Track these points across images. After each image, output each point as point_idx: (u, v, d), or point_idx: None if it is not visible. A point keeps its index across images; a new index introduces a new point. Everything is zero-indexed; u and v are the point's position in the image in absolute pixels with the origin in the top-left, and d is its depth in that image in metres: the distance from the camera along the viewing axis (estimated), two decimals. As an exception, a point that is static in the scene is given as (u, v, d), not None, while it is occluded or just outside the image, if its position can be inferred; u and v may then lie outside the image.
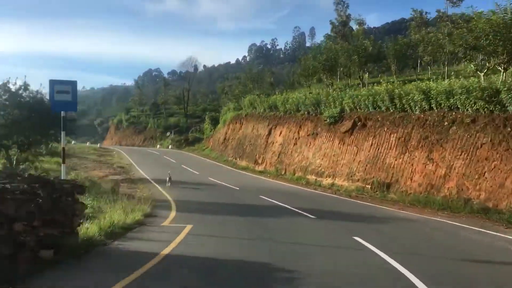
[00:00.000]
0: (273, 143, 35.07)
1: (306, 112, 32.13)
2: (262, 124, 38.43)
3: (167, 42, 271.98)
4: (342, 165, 25.66)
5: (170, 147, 60.45)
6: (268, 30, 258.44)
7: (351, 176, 24.37)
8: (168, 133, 66.16)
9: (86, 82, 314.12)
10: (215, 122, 56.50)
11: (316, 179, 27.13)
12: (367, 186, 22.76)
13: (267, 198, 17.73)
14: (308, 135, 30.53)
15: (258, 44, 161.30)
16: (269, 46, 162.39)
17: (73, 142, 56.97)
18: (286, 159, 31.90)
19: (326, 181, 26.16)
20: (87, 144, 55.16)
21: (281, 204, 16.24)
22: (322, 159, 27.71)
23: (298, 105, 32.96)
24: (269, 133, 36.36)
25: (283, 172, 31.19)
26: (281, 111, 35.93)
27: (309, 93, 34.29)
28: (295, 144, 31.77)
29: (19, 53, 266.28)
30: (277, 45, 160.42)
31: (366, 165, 23.64)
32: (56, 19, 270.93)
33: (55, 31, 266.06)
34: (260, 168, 34.87)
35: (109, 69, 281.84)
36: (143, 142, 67.55)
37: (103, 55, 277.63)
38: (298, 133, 31.95)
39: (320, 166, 27.58)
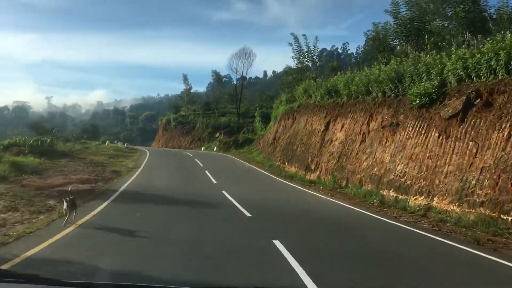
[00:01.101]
0: (331, 141, 24.38)
1: (380, 94, 21.13)
2: (317, 117, 27.88)
3: (237, 48, 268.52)
4: (445, 175, 14.40)
5: (215, 149, 51.76)
6: (339, 37, 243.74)
7: (466, 196, 13.07)
8: (217, 134, 57.62)
9: (161, 90, 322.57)
10: (267, 119, 46.78)
11: (396, 196, 16.11)
12: (504, 216, 11.42)
13: (286, 253, 7.35)
14: (383, 127, 19.51)
15: (328, 49, 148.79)
16: (340, 51, 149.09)
17: (107, 142, 50.66)
18: (349, 164, 21.06)
19: (416, 201, 15.05)
20: (118, 143, 47.92)
21: (308, 280, 5.80)
22: (408, 163, 16.58)
23: (369, 85, 22.02)
24: (326, 128, 25.72)
25: (343, 184, 20.39)
26: (343, 96, 25.15)
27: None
28: (362, 141, 20.86)
29: (103, 63, 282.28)
30: (349, 49, 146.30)
31: (499, 176, 12.24)
32: (135, 31, 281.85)
33: (134, 43, 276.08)
34: (313, 176, 24.35)
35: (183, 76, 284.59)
36: (190, 143, 59.63)
37: (178, 64, 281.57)
38: (368, 125, 21.00)
39: (404, 175, 16.48)
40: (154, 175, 21.79)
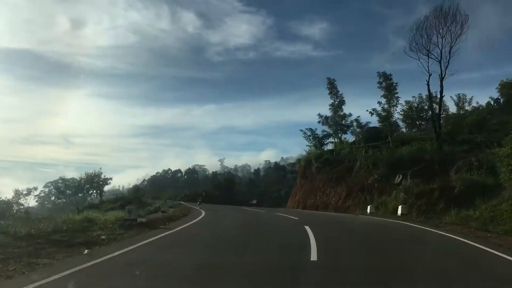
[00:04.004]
0: None
1: None
2: None
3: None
4: None
5: (400, 211, 21.34)
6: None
7: None
8: (397, 178, 27.01)
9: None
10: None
11: None
12: None
13: None
14: None
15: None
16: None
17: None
18: None
19: None
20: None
21: None
22: None
23: None
24: None
25: None
26: None
27: None
28: None
29: (271, 125, 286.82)
30: None
31: None
32: (301, 92, 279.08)
33: (300, 103, 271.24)
34: None
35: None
36: (344, 199, 30.06)
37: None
38: None
39: None
40: None
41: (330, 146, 41.35)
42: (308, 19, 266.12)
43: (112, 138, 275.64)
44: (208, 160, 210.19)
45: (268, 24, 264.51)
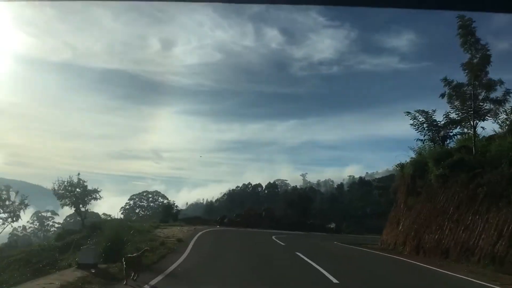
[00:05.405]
0: None
1: None
2: None
3: None
4: None
5: None
6: None
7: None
8: None
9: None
10: None
11: None
12: None
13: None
14: None
15: None
16: None
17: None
18: None
19: None
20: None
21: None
22: None
23: None
24: None
25: None
26: None
27: None
28: None
29: (355, 140, 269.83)
30: None
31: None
32: (385, 107, 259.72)
33: (385, 117, 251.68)
34: None
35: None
36: (508, 240, 14.78)
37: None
38: None
39: None
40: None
41: (453, 143, 24.55)
42: (394, 31, 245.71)
43: (198, 153, 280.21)
44: (291, 175, 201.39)
45: (352, 37, 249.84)
